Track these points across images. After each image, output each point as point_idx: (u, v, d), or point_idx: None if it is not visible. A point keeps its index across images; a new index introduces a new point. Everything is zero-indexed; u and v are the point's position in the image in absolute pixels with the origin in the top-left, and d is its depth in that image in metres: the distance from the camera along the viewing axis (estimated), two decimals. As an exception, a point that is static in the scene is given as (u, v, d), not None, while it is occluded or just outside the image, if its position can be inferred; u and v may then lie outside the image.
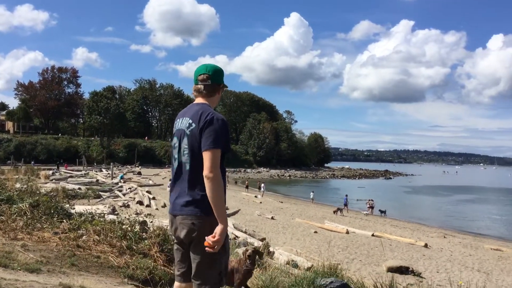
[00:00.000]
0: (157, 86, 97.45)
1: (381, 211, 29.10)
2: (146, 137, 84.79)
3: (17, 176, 22.42)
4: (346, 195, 31.03)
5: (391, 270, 11.04)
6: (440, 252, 15.65)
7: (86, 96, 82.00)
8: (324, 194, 46.57)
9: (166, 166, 65.02)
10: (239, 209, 21.63)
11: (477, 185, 75.99)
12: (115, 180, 34.37)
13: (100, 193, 24.15)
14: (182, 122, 2.52)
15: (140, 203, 21.72)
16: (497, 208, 39.45)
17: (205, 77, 2.54)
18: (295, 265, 7.30)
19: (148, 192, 26.76)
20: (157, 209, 20.52)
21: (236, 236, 10.99)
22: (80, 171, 45.42)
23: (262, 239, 11.35)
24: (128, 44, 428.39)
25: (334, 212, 26.05)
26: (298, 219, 22.06)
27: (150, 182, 37.51)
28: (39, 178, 28.62)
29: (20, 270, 3.87)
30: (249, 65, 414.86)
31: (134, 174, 48.01)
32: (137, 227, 5.66)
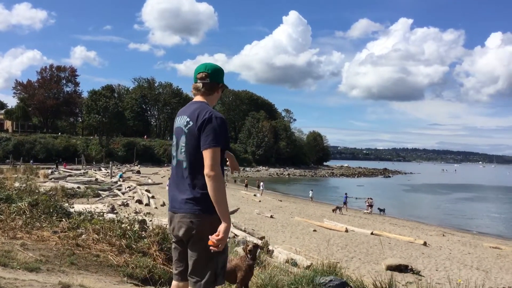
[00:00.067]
0: (156, 84, 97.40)
1: (380, 210, 29.13)
2: (145, 136, 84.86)
3: (16, 175, 22.41)
4: (346, 194, 31.12)
5: (390, 268, 11.06)
6: (439, 250, 15.66)
7: (85, 95, 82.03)
8: (323, 192, 46.53)
9: (165, 164, 65.07)
10: (238, 208, 21.58)
11: (476, 183, 76.03)
12: (114, 179, 34.35)
13: (99, 192, 24.17)
14: (181, 121, 2.53)
15: (139, 202, 21.71)
16: (496, 206, 39.47)
17: (204, 75, 2.54)
18: (294, 264, 7.30)
19: (147, 191, 26.74)
20: (156, 208, 20.50)
21: (236, 235, 10.96)
22: (79, 170, 45.35)
23: (261, 238, 11.32)
24: (126, 43, 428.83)
25: (333, 210, 26.07)
26: (297, 217, 22.06)
27: (149, 181, 37.51)
28: (38, 177, 28.62)
29: (19, 269, 3.87)
30: (248, 64, 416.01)
31: (133, 173, 48.02)
32: (136, 226, 5.67)
